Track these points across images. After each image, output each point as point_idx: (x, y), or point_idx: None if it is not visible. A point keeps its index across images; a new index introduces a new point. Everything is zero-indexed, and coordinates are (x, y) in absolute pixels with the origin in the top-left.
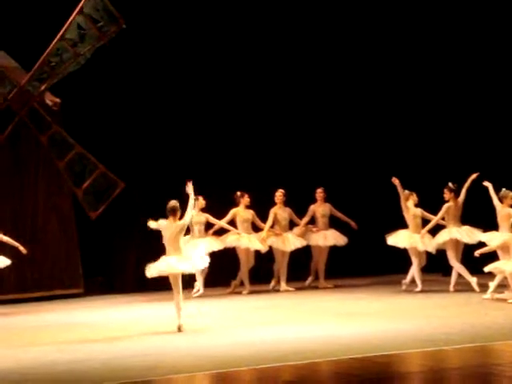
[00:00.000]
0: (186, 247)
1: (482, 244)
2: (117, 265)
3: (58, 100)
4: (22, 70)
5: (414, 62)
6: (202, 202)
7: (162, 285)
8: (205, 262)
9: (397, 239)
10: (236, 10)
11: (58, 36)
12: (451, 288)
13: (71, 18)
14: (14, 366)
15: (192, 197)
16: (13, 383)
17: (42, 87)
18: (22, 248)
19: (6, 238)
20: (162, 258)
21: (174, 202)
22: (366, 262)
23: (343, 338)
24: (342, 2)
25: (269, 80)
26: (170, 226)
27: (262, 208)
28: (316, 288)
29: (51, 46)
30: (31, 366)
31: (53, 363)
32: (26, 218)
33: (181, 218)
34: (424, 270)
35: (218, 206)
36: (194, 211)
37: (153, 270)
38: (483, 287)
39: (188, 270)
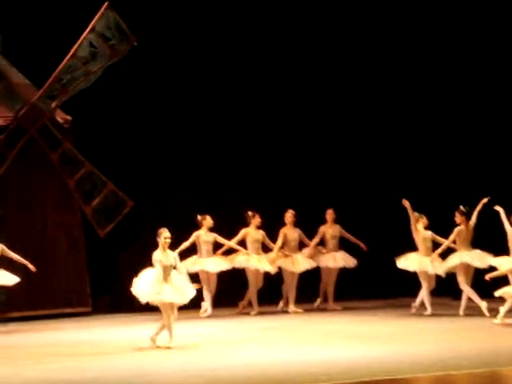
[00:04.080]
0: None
1: (492, 268)
2: (125, 283)
3: (68, 118)
4: (33, 87)
5: (424, 82)
6: (209, 221)
7: None
8: (192, 292)
9: (407, 262)
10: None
11: (70, 53)
12: (461, 312)
13: (83, 35)
14: (20, 383)
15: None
16: None
17: (53, 104)
18: (30, 266)
19: (15, 256)
20: (155, 283)
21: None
22: (376, 285)
23: (351, 361)
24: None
25: (279, 101)
26: (166, 256)
27: (271, 228)
28: (325, 310)
29: (63, 63)
30: None
31: (61, 382)
32: (34, 234)
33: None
34: (433, 294)
35: (224, 225)
36: (202, 231)
37: (144, 296)
38: (493, 312)
39: (180, 301)
